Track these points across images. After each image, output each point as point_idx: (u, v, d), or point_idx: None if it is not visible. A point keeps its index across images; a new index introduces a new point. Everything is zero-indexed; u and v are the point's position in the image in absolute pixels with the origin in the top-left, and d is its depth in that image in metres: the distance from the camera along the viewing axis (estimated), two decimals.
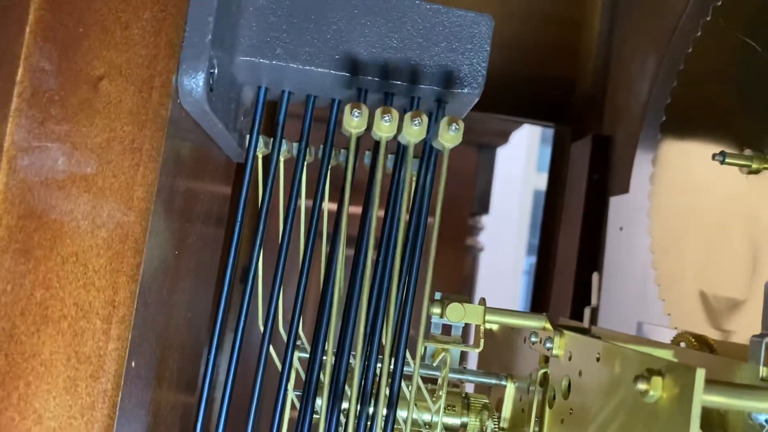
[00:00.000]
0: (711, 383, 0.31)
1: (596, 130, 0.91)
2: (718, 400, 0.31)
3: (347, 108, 0.38)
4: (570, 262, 0.86)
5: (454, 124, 0.40)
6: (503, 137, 1.55)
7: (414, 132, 0.40)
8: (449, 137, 0.40)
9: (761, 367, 0.35)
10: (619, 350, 0.36)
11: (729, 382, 0.31)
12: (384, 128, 0.39)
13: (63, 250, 0.32)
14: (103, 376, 0.32)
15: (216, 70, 0.36)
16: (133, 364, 0.34)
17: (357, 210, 0.45)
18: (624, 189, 0.78)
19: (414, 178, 0.45)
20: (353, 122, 0.40)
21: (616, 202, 0.79)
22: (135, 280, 0.32)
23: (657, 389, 0.31)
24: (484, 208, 1.63)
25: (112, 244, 0.32)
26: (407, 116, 0.40)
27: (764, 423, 0.34)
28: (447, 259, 1.50)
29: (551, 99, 1.00)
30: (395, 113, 0.39)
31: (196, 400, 0.47)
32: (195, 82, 0.34)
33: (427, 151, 0.43)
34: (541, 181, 1.30)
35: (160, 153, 0.33)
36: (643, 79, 0.80)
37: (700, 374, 0.29)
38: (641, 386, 0.31)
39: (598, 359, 0.38)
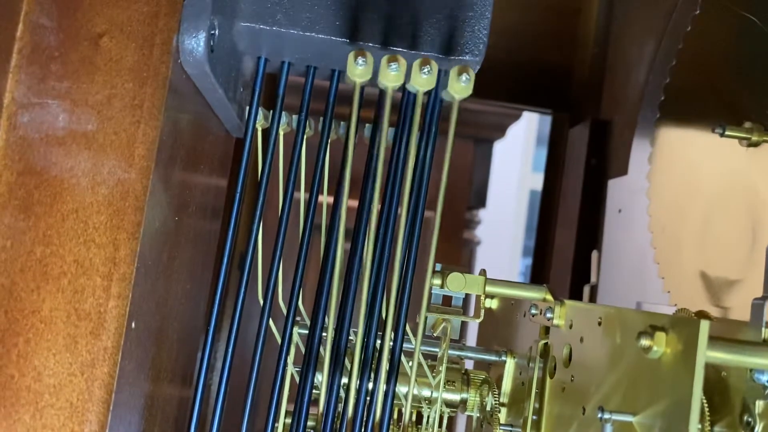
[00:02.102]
0: (714, 340, 0.31)
1: (594, 116, 0.91)
2: (721, 356, 0.31)
3: (351, 56, 0.37)
4: (568, 246, 0.86)
5: (465, 74, 0.38)
6: (500, 131, 1.55)
7: (422, 81, 0.38)
8: (459, 88, 0.38)
9: (763, 329, 0.35)
10: (621, 312, 0.36)
11: (732, 339, 0.31)
12: (391, 77, 0.37)
13: (63, 207, 0.32)
14: (103, 333, 0.32)
15: (217, 32, 0.36)
16: (133, 325, 0.34)
17: (355, 201, 0.44)
18: (622, 172, 0.78)
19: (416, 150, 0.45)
20: (357, 70, 0.38)
21: (614, 185, 0.79)
22: (136, 238, 0.32)
23: (660, 345, 0.31)
24: (481, 202, 1.63)
25: (113, 201, 0.32)
26: (416, 64, 0.38)
27: (767, 383, 0.34)
28: (444, 253, 1.50)
29: (549, 86, 1.00)
30: (403, 61, 0.37)
31: (195, 372, 0.46)
32: (196, 42, 0.34)
33: (432, 101, 0.42)
34: (537, 181, 1.30)
35: (161, 111, 0.33)
36: (640, 64, 0.80)
37: (704, 327, 0.29)
38: (644, 342, 0.31)
39: (599, 323, 0.38)
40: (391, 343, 0.43)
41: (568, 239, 0.87)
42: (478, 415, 0.53)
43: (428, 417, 0.52)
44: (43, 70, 0.32)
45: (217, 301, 0.43)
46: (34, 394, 0.31)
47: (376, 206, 0.42)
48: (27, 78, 0.32)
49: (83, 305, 0.31)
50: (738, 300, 0.55)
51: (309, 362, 0.44)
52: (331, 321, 0.43)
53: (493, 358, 0.53)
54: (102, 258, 0.32)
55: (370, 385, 0.43)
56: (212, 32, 0.36)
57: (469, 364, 0.57)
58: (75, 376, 0.31)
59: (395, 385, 0.43)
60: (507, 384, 0.52)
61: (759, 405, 0.34)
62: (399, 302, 0.43)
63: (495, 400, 0.51)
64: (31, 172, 0.32)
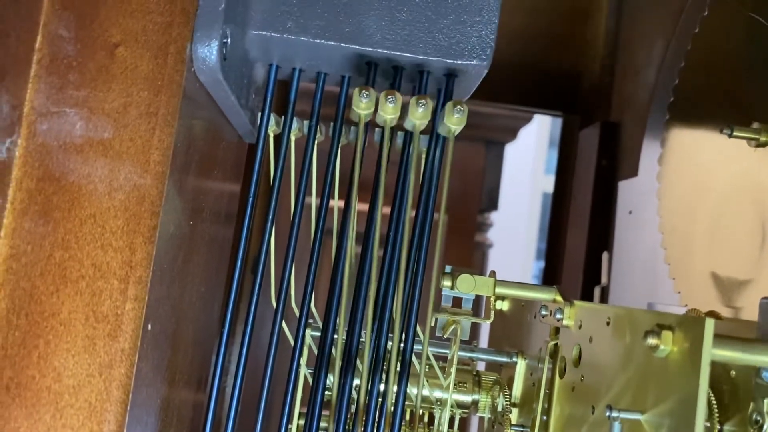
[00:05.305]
0: (720, 338, 0.31)
1: (604, 118, 0.91)
2: (727, 354, 0.31)
3: (356, 91, 0.40)
4: (580, 247, 0.86)
5: (459, 106, 0.41)
6: (511, 133, 1.55)
7: (419, 114, 0.41)
8: (454, 120, 0.41)
9: None
10: (629, 312, 0.36)
11: (738, 337, 0.32)
12: (389, 110, 0.40)
13: (81, 212, 0.33)
14: (120, 335, 0.32)
15: (229, 41, 0.37)
16: (149, 327, 0.34)
17: (365, 205, 0.45)
18: (632, 174, 0.78)
19: (423, 159, 0.46)
20: (362, 104, 0.41)
21: (624, 186, 0.80)
22: (152, 242, 0.33)
23: (667, 343, 0.31)
24: (493, 204, 1.63)
25: (129, 206, 0.33)
26: (412, 100, 0.41)
27: None
28: (456, 256, 1.50)
29: (559, 89, 1.01)
30: (399, 96, 0.40)
31: (210, 374, 0.47)
32: (209, 50, 0.35)
33: (434, 134, 0.44)
34: (550, 183, 1.31)
35: (176, 118, 0.34)
36: (650, 66, 0.80)
37: (710, 324, 0.29)
38: (651, 341, 0.31)
39: (608, 323, 0.38)
40: (402, 345, 0.44)
41: (580, 241, 0.87)
42: (489, 416, 0.54)
43: (440, 418, 0.52)
44: (62, 80, 0.33)
45: (230, 305, 0.44)
46: (54, 395, 0.32)
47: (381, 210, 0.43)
48: (46, 87, 0.33)
49: (101, 308, 0.32)
50: (749, 300, 0.55)
51: (321, 364, 0.45)
52: (342, 323, 0.43)
53: (504, 359, 0.53)
54: (119, 261, 0.33)
55: (382, 387, 0.44)
56: (225, 41, 0.37)
57: (480, 366, 0.58)
58: (93, 377, 0.32)
59: (406, 386, 0.44)
60: (518, 385, 0.53)
61: (767, 403, 0.34)
62: (409, 304, 0.44)
63: (506, 401, 0.51)
64: (50, 179, 0.33)
